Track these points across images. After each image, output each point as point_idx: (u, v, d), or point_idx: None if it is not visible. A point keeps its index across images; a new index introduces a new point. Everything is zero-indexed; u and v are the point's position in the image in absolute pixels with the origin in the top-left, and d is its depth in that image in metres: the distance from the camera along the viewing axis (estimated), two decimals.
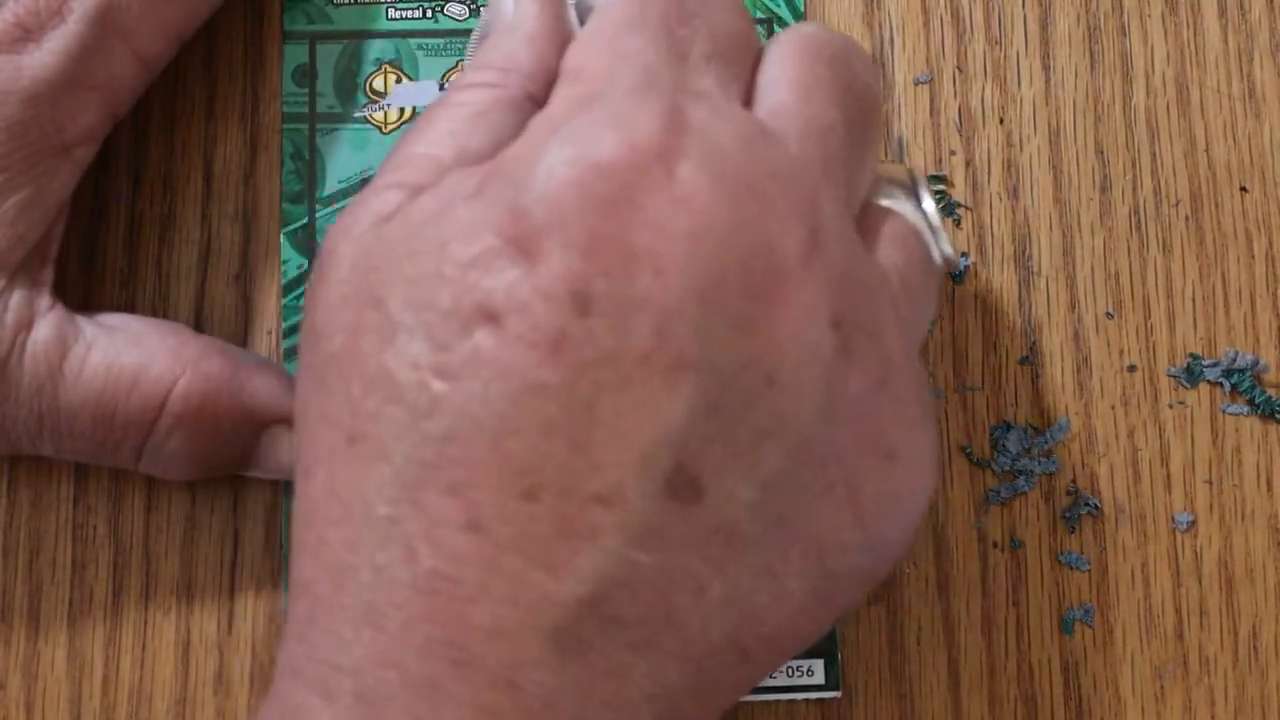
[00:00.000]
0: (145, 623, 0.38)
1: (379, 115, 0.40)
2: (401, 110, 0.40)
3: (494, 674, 0.27)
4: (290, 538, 0.38)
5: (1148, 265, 0.40)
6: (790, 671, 0.38)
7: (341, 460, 0.29)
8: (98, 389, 0.35)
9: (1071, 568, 0.39)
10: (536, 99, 0.32)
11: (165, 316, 0.39)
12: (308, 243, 0.39)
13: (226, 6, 0.40)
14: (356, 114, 0.40)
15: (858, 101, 0.31)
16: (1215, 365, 0.40)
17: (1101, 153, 0.41)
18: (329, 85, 0.40)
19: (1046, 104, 0.41)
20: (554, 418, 0.27)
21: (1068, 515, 0.39)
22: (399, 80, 0.40)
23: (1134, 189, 0.40)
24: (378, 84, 0.40)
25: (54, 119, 0.35)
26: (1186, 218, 0.40)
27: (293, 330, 0.39)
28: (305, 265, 0.39)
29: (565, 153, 0.28)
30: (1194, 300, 0.40)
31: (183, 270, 0.39)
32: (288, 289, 0.39)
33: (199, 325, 0.39)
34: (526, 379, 0.27)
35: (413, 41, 0.40)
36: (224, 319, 0.39)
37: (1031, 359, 0.40)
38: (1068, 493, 0.39)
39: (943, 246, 0.34)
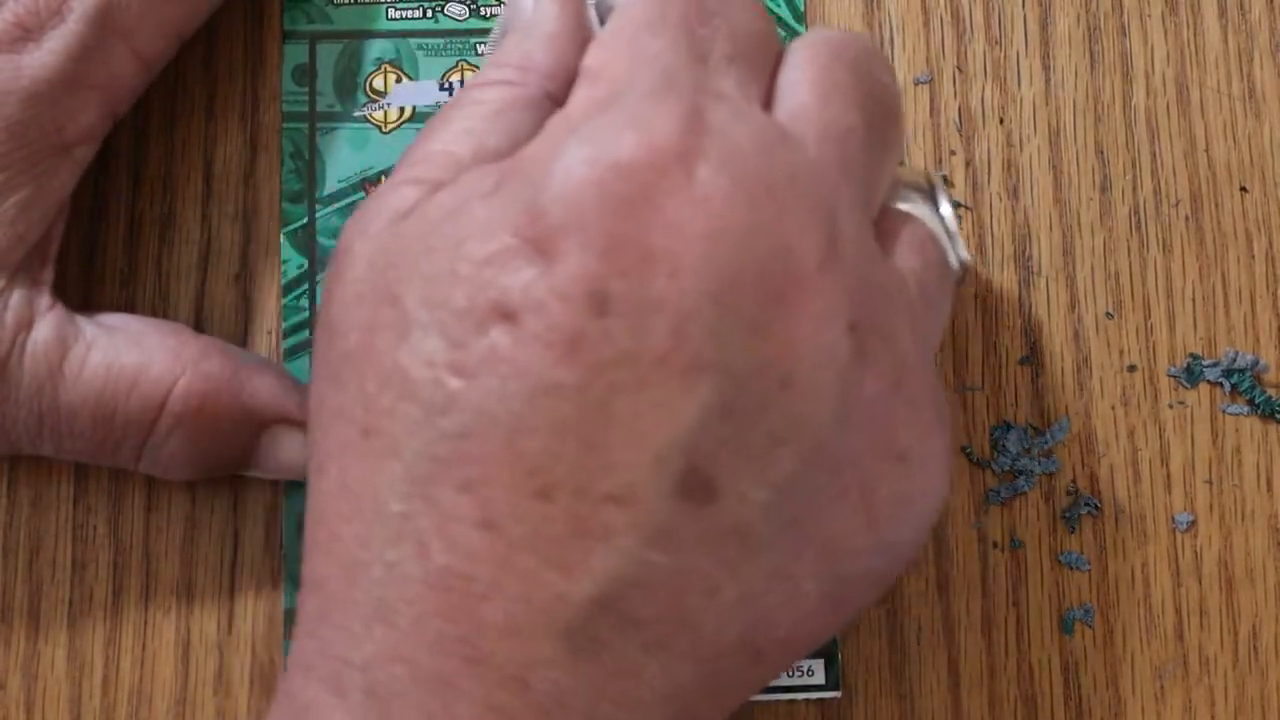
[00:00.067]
0: (145, 623, 0.38)
1: (379, 115, 0.40)
2: (401, 110, 0.40)
3: (506, 672, 0.27)
4: (291, 538, 0.38)
5: (1148, 265, 0.40)
6: (790, 671, 0.38)
7: (354, 456, 0.29)
8: (98, 389, 0.35)
9: (1071, 568, 0.39)
10: (555, 98, 0.32)
11: (165, 316, 0.39)
12: (308, 242, 0.39)
13: (226, 6, 0.40)
14: (356, 113, 0.40)
15: (878, 105, 0.31)
16: (1215, 365, 0.40)
17: (1101, 153, 0.41)
18: (329, 85, 0.40)
19: (1046, 104, 0.41)
20: (569, 417, 0.27)
21: (1068, 515, 0.39)
22: (399, 80, 0.40)
23: (1134, 189, 0.40)
24: (378, 83, 0.40)
25: (54, 118, 0.35)
26: (1186, 218, 0.40)
27: (293, 330, 0.39)
28: (305, 265, 0.39)
29: (584, 152, 0.28)
30: (1194, 300, 0.40)
31: (183, 270, 0.39)
32: (288, 289, 0.39)
33: (199, 325, 0.39)
34: (542, 378, 0.27)
35: (413, 41, 0.40)
36: (224, 319, 0.39)
37: (1031, 359, 0.40)
38: (1068, 493, 0.39)
39: (960, 252, 0.34)
